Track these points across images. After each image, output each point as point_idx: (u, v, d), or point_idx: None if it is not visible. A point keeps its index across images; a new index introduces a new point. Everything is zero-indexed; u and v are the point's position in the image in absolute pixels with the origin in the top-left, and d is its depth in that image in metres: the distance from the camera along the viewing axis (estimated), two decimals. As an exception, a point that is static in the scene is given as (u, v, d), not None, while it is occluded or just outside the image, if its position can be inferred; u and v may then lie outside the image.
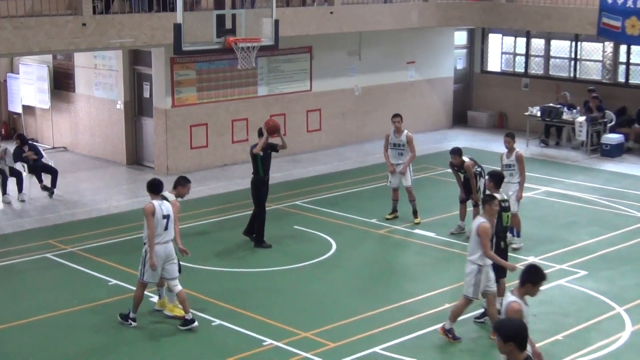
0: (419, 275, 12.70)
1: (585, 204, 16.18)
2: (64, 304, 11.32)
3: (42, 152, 17.07)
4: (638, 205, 16.02)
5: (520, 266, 11.90)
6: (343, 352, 9.87)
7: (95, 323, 10.74)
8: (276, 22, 14.87)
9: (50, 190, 16.39)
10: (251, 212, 13.86)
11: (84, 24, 15.15)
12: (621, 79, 21.61)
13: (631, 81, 21.46)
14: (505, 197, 11.39)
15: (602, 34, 19.65)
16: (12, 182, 16.18)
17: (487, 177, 11.69)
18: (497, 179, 11.14)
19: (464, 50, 24.04)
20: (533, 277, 7.34)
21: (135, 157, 18.97)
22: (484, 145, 20.68)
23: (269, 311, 11.06)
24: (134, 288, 10.74)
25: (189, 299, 10.75)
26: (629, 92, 21.26)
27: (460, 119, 23.71)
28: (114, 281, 12.03)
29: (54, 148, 20.13)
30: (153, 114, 18.23)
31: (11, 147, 16.74)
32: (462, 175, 13.88)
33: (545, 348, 9.47)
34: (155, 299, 11.16)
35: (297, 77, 19.96)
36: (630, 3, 19.02)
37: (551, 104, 20.94)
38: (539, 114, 20.81)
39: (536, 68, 23.04)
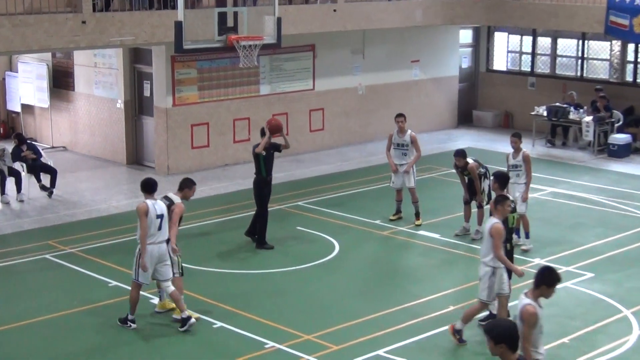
0: (423, 277, 12.65)
1: (592, 205, 16.09)
2: (64, 305, 11.30)
3: (41, 151, 17.06)
4: (646, 206, 15.95)
5: (526, 269, 11.84)
6: (346, 355, 9.85)
7: (95, 325, 10.71)
8: (279, 20, 14.85)
9: (49, 190, 16.32)
10: (253, 212, 13.80)
11: (83, 22, 15.11)
12: (629, 78, 21.52)
13: (639, 80, 21.29)
14: (511, 198, 11.25)
15: (610, 32, 19.55)
16: (10, 182, 16.15)
17: (492, 178, 11.69)
18: (502, 179, 11.10)
19: (469, 49, 23.98)
20: (548, 279, 7.33)
21: (136, 156, 18.95)
22: (489, 145, 20.66)
23: (271, 313, 11.02)
24: (133, 289, 10.72)
25: (190, 300, 10.76)
26: (637, 91, 21.16)
27: (465, 118, 23.66)
28: (114, 282, 11.98)
29: (53, 147, 20.11)
30: (153, 113, 18.20)
31: (9, 146, 16.73)
32: (466, 177, 13.85)
33: (551, 351, 9.46)
34: (155, 300, 11.13)
35: (300, 76, 19.90)
36: (638, 1, 18.88)
37: (558, 104, 20.87)
38: (545, 113, 20.74)
39: (542, 67, 22.94)
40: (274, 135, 13.37)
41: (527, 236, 13.37)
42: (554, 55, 22.62)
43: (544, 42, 22.75)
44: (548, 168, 18.63)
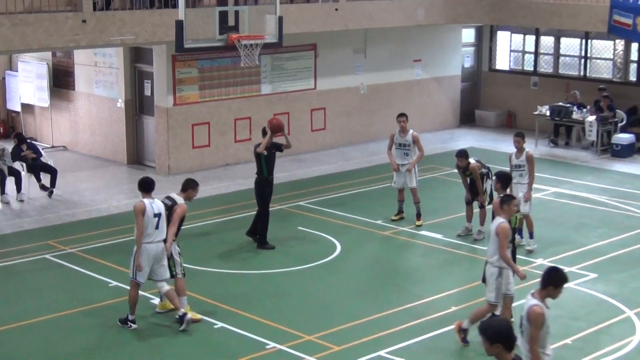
0: (425, 278, 12.61)
1: (595, 205, 16.03)
2: (64, 305, 11.28)
3: (41, 151, 17.04)
4: (649, 206, 15.90)
5: (529, 269, 11.78)
6: (347, 356, 9.83)
7: (95, 325, 10.69)
8: (280, 19, 14.81)
9: (49, 190, 16.28)
10: (255, 212, 13.77)
11: (84, 21, 15.09)
12: (632, 77, 21.44)
13: (642, 80, 21.30)
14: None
15: (613, 31, 19.46)
16: (10, 182, 16.12)
17: (494, 178, 11.66)
18: (504, 179, 11.04)
19: (472, 48, 23.92)
20: (555, 280, 7.31)
21: (136, 156, 18.91)
22: (492, 145, 20.62)
23: (272, 314, 10.99)
24: (133, 290, 10.71)
25: (191, 300, 10.75)
26: (640, 91, 21.08)
27: (467, 118, 23.60)
28: (115, 283, 11.94)
29: (53, 147, 20.07)
30: (154, 112, 18.16)
31: (9, 146, 16.71)
32: (468, 178, 13.83)
33: (554, 352, 9.26)
34: (156, 301, 11.10)
35: (301, 75, 19.85)
36: (641, 0, 18.81)
37: (561, 103, 20.81)
38: (548, 113, 20.68)
39: (545, 66, 22.87)
40: (276, 135, 13.34)
41: (531, 236, 13.32)
42: (557, 55, 22.55)
43: (547, 41, 22.67)
44: (551, 168, 18.57)
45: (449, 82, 22.92)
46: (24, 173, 16.24)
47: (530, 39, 22.88)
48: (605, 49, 21.79)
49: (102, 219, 15.00)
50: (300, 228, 14.53)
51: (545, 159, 19.42)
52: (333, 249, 13.51)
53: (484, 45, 23.91)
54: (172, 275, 10.60)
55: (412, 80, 22.07)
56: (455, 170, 14.43)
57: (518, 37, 23.17)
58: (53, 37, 14.77)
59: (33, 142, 17.71)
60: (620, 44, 21.28)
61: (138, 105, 18.74)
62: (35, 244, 13.62)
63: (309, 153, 19.87)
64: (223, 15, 14.34)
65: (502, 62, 23.71)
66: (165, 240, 10.40)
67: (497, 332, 5.78)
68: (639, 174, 18.30)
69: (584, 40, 21.92)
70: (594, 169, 18.74)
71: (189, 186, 10.90)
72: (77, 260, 12.88)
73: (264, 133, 13.40)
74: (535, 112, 21.05)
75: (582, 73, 22.11)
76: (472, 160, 13.65)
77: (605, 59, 21.79)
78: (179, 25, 13.46)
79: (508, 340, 5.77)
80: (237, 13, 14.58)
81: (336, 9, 18.83)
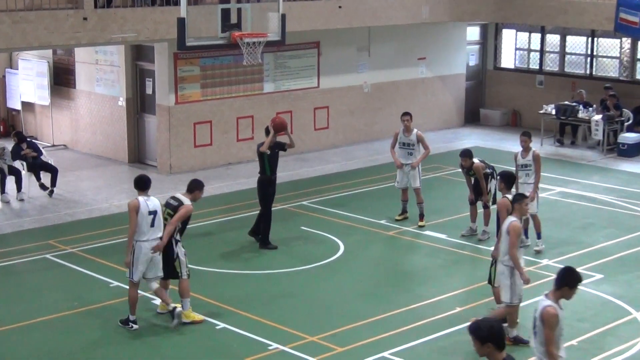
0: (429, 278, 12.56)
1: (602, 205, 15.95)
2: (64, 306, 11.25)
3: (42, 149, 17.02)
4: (657, 206, 15.84)
5: (534, 270, 11.66)
6: (351, 357, 9.81)
7: (96, 325, 10.67)
8: (283, 17, 14.74)
9: (49, 189, 16.23)
10: (258, 212, 13.73)
11: (85, 18, 15.07)
12: (639, 76, 21.37)
13: (649, 79, 21.22)
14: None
15: (620, 29, 19.38)
16: (10, 181, 16.08)
17: (497, 177, 11.61)
18: (507, 179, 10.97)
19: (477, 46, 23.85)
20: (570, 280, 7.28)
21: (138, 155, 18.87)
22: (497, 144, 20.58)
23: (275, 314, 10.96)
24: (134, 290, 10.69)
25: (192, 301, 10.73)
26: (647, 89, 21.00)
27: (472, 117, 23.53)
28: (116, 283, 11.88)
29: (53, 146, 20.04)
30: (156, 111, 18.11)
31: (9, 145, 16.69)
32: (472, 177, 13.80)
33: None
34: (157, 301, 11.04)
35: (304, 74, 19.78)
36: (649, -2, 18.71)
37: (566, 102, 20.73)
38: (553, 112, 20.62)
39: (551, 65, 22.79)
40: (279, 134, 13.30)
41: (538, 237, 13.24)
42: (562, 53, 22.47)
43: (553, 39, 22.59)
44: (557, 167, 18.51)
45: (454, 81, 22.85)
46: (24, 172, 16.20)
47: (536, 37, 22.79)
48: (611, 47, 21.71)
49: (103, 219, 14.96)
50: (303, 228, 14.49)
51: (551, 158, 19.35)
52: (336, 249, 13.46)
53: (489, 43, 23.85)
54: (177, 276, 10.56)
55: (417, 78, 22.00)
56: (460, 170, 14.38)
57: (523, 35, 23.10)
58: (54, 34, 14.75)
59: (33, 140, 17.69)
60: (627, 42, 21.22)
61: (139, 103, 18.70)
62: (36, 244, 13.60)
63: (312, 152, 19.81)
64: (225, 13, 14.30)
65: (508, 60, 23.65)
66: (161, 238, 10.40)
67: (487, 331, 5.73)
68: (645, 174, 18.26)
69: (590, 39, 21.84)
70: (600, 169, 18.68)
71: (196, 187, 10.85)
72: (78, 260, 12.85)
73: (267, 132, 13.35)
74: (541, 111, 20.98)
75: (588, 71, 22.03)
76: (475, 160, 13.62)
77: (612, 58, 21.72)
78: (181, 22, 13.41)
79: (498, 340, 5.74)
80: (239, 10, 14.52)
81: (340, 7, 18.77)
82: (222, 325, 10.55)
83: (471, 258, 13.12)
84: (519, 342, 9.99)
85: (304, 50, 19.65)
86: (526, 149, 13.19)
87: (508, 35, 23.49)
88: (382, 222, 14.74)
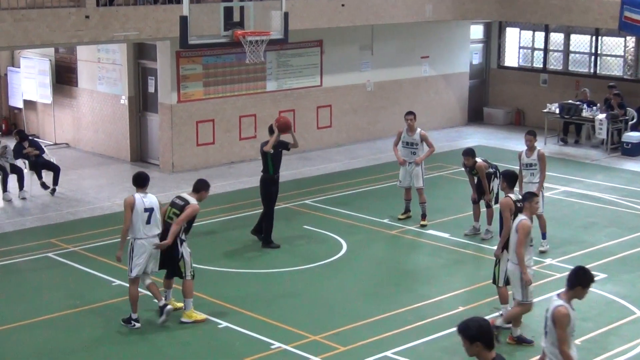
0: (432, 277, 12.52)
1: (605, 204, 15.91)
2: (66, 304, 11.23)
3: (44, 148, 16.99)
4: (661, 205, 15.78)
5: (537, 269, 11.60)
6: (353, 356, 9.78)
7: (98, 324, 10.66)
8: (286, 15, 14.78)
9: (51, 188, 16.22)
10: (260, 211, 13.69)
11: (87, 16, 15.06)
12: (643, 75, 21.38)
13: (653, 77, 21.19)
14: (521, 198, 11.04)
15: (624, 28, 19.36)
16: (12, 180, 16.07)
17: (500, 177, 11.57)
18: (510, 179, 10.91)
19: (480, 45, 23.81)
20: (583, 280, 7.26)
21: (140, 154, 18.86)
22: (500, 143, 20.55)
23: (277, 313, 10.94)
24: (136, 289, 10.68)
25: (195, 300, 10.71)
26: (651, 88, 20.96)
27: (475, 115, 23.50)
28: (118, 281, 11.86)
29: (55, 144, 20.04)
30: (158, 109, 18.10)
31: (11, 143, 16.67)
32: (475, 177, 13.76)
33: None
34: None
35: (307, 72, 19.75)
36: (653, -4, 18.66)
37: (570, 101, 20.67)
38: (557, 111, 20.56)
39: (555, 63, 22.74)
40: (283, 134, 13.27)
41: (543, 237, 13.17)
42: (566, 52, 22.42)
43: (557, 38, 22.54)
44: (560, 167, 18.45)
45: (457, 79, 22.81)
46: (26, 171, 16.19)
47: (540, 35, 22.75)
48: (615, 45, 21.65)
49: (105, 217, 14.94)
50: (305, 227, 14.45)
51: (555, 157, 19.28)
52: (339, 248, 13.43)
53: (493, 41, 23.80)
54: (181, 276, 10.54)
55: (420, 77, 21.97)
56: (463, 169, 14.33)
57: (527, 34, 23.06)
58: (56, 33, 14.74)
59: (35, 139, 17.65)
60: (631, 40, 21.18)
61: (142, 102, 18.69)
62: (38, 242, 13.58)
63: (315, 151, 19.78)
64: (228, 11, 14.37)
65: (511, 59, 23.60)
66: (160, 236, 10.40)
67: (475, 330, 5.71)
68: (649, 173, 18.20)
69: (594, 37, 21.78)
70: (604, 168, 18.63)
71: (202, 187, 10.83)
72: (80, 259, 12.84)
73: (271, 131, 13.31)
74: (545, 110, 20.93)
75: (592, 70, 21.98)
76: (478, 159, 13.58)
77: (616, 56, 21.67)
78: (184, 21, 13.46)
79: (487, 339, 5.71)
80: (242, 9, 14.58)
81: (342, 5, 18.74)
82: (224, 324, 10.53)
83: (474, 257, 13.09)
84: (522, 341, 9.95)
85: (306, 48, 19.61)
86: (531, 148, 13.15)
87: (512, 34, 23.44)
88: (385, 221, 14.70)
